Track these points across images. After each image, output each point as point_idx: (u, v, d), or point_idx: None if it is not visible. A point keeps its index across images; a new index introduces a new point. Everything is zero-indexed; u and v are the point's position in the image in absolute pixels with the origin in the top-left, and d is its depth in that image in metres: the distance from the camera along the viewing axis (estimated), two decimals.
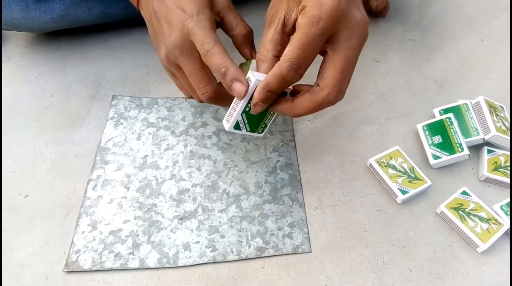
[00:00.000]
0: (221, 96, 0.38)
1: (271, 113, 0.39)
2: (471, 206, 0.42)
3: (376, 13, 0.63)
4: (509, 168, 0.46)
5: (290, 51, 0.31)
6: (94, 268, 0.38)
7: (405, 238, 0.42)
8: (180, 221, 0.42)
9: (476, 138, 0.47)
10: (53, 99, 0.51)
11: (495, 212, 0.43)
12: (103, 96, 0.52)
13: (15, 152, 0.46)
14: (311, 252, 0.40)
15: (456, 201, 0.43)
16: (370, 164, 0.46)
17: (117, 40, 0.59)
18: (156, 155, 0.47)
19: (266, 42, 0.34)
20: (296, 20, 0.32)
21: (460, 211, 0.42)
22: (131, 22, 0.59)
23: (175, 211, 0.42)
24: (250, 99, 0.35)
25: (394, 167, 0.45)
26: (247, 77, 0.34)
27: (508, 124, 0.48)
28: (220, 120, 0.50)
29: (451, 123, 0.48)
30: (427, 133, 0.48)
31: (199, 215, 0.42)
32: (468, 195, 0.43)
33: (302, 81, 0.34)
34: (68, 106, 0.51)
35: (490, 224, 0.41)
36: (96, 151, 0.46)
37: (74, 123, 0.49)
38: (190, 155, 0.47)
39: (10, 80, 0.53)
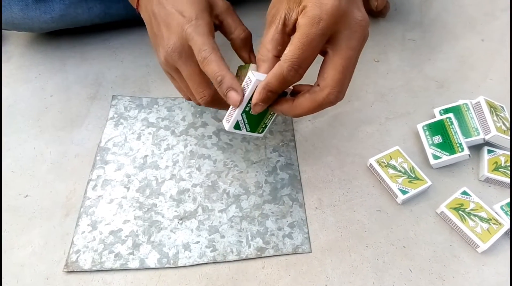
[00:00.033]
0: (219, 100, 0.38)
1: (271, 113, 0.38)
2: (472, 206, 0.42)
3: (376, 13, 0.63)
4: (509, 168, 0.46)
5: (290, 51, 0.31)
6: (94, 268, 0.38)
7: (405, 238, 0.42)
8: (180, 221, 0.42)
9: (476, 138, 0.47)
10: (53, 99, 0.51)
11: (496, 212, 0.42)
12: (103, 96, 0.52)
13: (15, 152, 0.46)
14: (311, 252, 0.40)
15: (456, 201, 0.43)
16: (370, 164, 0.46)
17: (117, 40, 0.59)
18: (156, 155, 0.47)
19: (266, 42, 0.34)
20: (296, 20, 0.32)
21: (460, 211, 0.42)
22: (131, 22, 0.59)
23: (175, 211, 0.42)
24: (250, 99, 0.35)
25: (394, 167, 0.45)
26: (247, 76, 0.34)
27: (508, 124, 0.48)
28: (220, 120, 0.50)
29: (452, 123, 0.48)
30: (427, 133, 0.48)
31: (199, 215, 0.42)
32: (469, 195, 0.43)
33: (302, 81, 0.34)
34: (68, 106, 0.51)
35: (490, 224, 0.41)
36: (96, 151, 0.46)
37: (74, 123, 0.49)
38: (190, 155, 0.47)
39: (10, 80, 0.53)
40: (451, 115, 0.48)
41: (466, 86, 0.56)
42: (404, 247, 0.41)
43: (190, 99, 0.42)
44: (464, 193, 0.43)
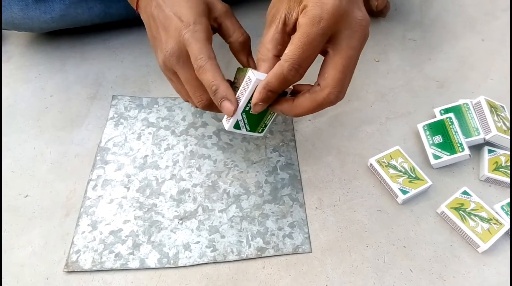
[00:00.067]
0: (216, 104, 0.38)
1: (271, 112, 0.38)
2: (472, 206, 0.42)
3: (376, 13, 0.63)
4: (509, 168, 0.46)
5: (291, 50, 0.31)
6: (94, 268, 0.38)
7: (405, 238, 0.42)
8: (180, 221, 0.42)
9: (476, 138, 0.47)
10: (53, 99, 0.51)
11: (496, 212, 0.42)
12: (103, 96, 0.52)
13: (15, 152, 0.46)
14: (311, 252, 0.40)
15: (456, 201, 0.43)
16: (371, 164, 0.46)
17: (117, 40, 0.59)
18: (156, 155, 0.46)
19: (266, 42, 0.34)
20: (297, 19, 0.32)
21: (460, 211, 0.42)
22: (131, 22, 0.59)
23: (175, 211, 0.42)
24: (250, 98, 0.35)
25: (394, 167, 0.45)
26: (247, 76, 0.34)
27: (508, 124, 0.48)
28: (220, 120, 0.50)
29: (452, 123, 0.48)
30: (427, 133, 0.48)
31: (199, 215, 0.42)
32: (469, 195, 0.43)
33: (302, 81, 0.34)
34: (68, 106, 0.51)
35: (491, 224, 0.41)
36: (96, 151, 0.46)
37: (74, 123, 0.49)
38: (190, 155, 0.47)
39: (10, 80, 0.53)
40: (451, 115, 0.48)
41: (466, 86, 0.56)
42: (404, 247, 0.41)
43: (188, 101, 0.42)
44: (465, 193, 0.43)
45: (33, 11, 0.49)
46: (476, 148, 0.48)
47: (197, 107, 0.40)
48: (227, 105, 0.35)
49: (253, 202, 0.43)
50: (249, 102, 0.35)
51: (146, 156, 0.46)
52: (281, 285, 0.38)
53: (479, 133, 0.47)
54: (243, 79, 0.35)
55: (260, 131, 0.40)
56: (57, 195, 0.43)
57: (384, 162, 0.45)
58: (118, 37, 0.59)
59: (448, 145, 0.46)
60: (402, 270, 0.39)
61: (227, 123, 0.37)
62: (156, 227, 0.41)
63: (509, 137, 0.46)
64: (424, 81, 0.57)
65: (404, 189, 0.43)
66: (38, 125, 0.49)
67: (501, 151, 0.47)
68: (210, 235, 0.41)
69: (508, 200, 0.43)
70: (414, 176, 0.44)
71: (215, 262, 0.39)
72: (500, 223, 0.41)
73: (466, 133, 0.47)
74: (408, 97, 0.54)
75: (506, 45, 0.62)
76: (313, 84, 0.34)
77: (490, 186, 0.46)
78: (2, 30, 0.58)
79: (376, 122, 0.51)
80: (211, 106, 0.38)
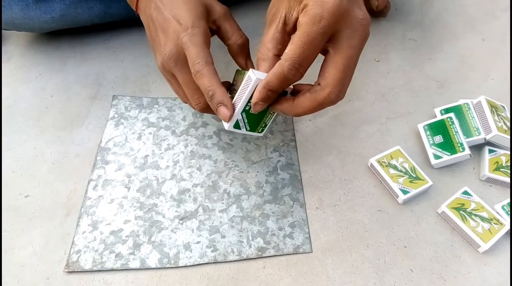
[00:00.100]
0: None
1: (271, 112, 0.38)
2: (473, 206, 0.42)
3: (377, 13, 0.63)
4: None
5: (291, 50, 0.31)
6: (95, 268, 0.38)
7: (406, 238, 0.41)
8: (181, 221, 0.42)
9: (477, 138, 0.47)
10: (53, 99, 0.51)
11: (497, 212, 0.42)
12: (104, 96, 0.52)
13: (16, 152, 0.46)
14: (312, 252, 0.40)
15: (457, 201, 0.43)
16: (371, 164, 0.46)
17: (117, 40, 0.59)
18: (156, 155, 0.46)
19: (266, 41, 0.34)
20: (297, 19, 0.32)
21: (461, 211, 0.42)
22: (131, 22, 0.59)
23: (176, 211, 0.42)
24: (250, 98, 0.35)
25: (395, 167, 0.45)
26: (247, 75, 0.34)
27: (509, 124, 0.48)
28: (220, 120, 0.50)
29: (452, 122, 0.48)
30: (428, 133, 0.48)
31: (199, 215, 0.42)
32: (470, 195, 0.43)
33: (302, 81, 0.34)
34: (68, 106, 0.51)
35: (491, 224, 0.41)
36: (96, 151, 0.46)
37: (75, 123, 0.49)
38: (190, 155, 0.47)
39: (10, 80, 0.53)
40: (452, 114, 0.48)
41: (466, 86, 0.56)
42: (405, 247, 0.41)
43: (187, 103, 0.42)
44: (465, 193, 0.43)
45: (33, 11, 0.50)
46: (477, 148, 0.48)
47: (195, 109, 0.40)
48: (223, 111, 0.35)
49: (254, 202, 0.43)
50: (249, 101, 0.35)
51: (147, 156, 0.46)
52: (281, 285, 0.38)
53: (479, 133, 0.47)
54: (243, 80, 0.35)
55: (260, 130, 0.40)
56: (58, 195, 0.43)
57: (385, 162, 0.45)
58: (118, 37, 0.59)
59: (448, 145, 0.46)
60: (402, 270, 0.39)
61: (227, 123, 0.37)
62: (157, 227, 0.41)
63: (509, 137, 0.46)
64: (424, 81, 0.57)
65: (405, 189, 0.43)
66: (39, 125, 0.49)
67: (502, 151, 0.47)
68: (210, 235, 0.41)
69: (509, 200, 0.43)
70: (414, 176, 0.44)
71: (215, 262, 0.39)
72: (501, 223, 0.41)
73: (467, 133, 0.47)
74: (409, 97, 0.54)
75: (507, 45, 0.62)
76: (313, 84, 0.34)
77: (490, 186, 0.46)
78: (2, 30, 0.58)
79: (377, 122, 0.51)
80: (208, 108, 0.38)
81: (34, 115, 0.50)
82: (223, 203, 0.43)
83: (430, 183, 0.44)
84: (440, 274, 0.39)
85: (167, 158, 0.46)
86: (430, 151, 0.47)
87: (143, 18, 0.41)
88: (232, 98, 0.36)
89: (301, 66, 0.31)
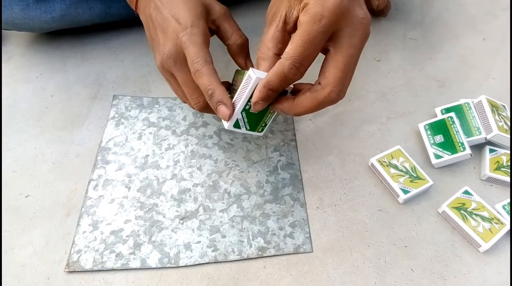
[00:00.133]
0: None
1: (271, 111, 0.38)
2: (473, 205, 0.42)
3: (377, 12, 0.63)
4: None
5: (291, 49, 0.31)
6: (95, 268, 0.38)
7: (407, 238, 0.41)
8: (181, 221, 0.42)
9: (478, 138, 0.47)
10: (53, 99, 0.51)
11: (497, 212, 0.42)
12: (104, 96, 0.52)
13: (16, 152, 0.46)
14: (312, 252, 0.40)
15: (458, 201, 0.43)
16: (372, 164, 0.46)
17: (118, 40, 0.59)
18: (157, 155, 0.46)
19: (267, 40, 0.34)
20: (297, 18, 0.32)
21: (462, 211, 0.42)
22: (132, 22, 0.59)
23: (176, 211, 0.42)
24: (250, 97, 0.35)
25: (395, 167, 0.45)
26: (247, 74, 0.34)
27: (510, 123, 0.48)
28: (221, 119, 0.50)
29: (453, 122, 0.47)
30: (428, 132, 0.48)
31: (200, 215, 0.42)
32: (470, 194, 0.43)
33: (303, 80, 0.34)
34: (69, 106, 0.51)
35: (492, 224, 0.41)
36: (97, 151, 0.46)
37: (75, 123, 0.49)
38: (191, 155, 0.47)
39: (11, 80, 0.53)
40: (452, 114, 0.48)
41: (467, 85, 0.56)
42: (405, 246, 0.41)
43: (186, 103, 0.42)
44: (466, 192, 0.43)
45: (33, 11, 0.50)
46: (477, 148, 0.48)
47: (194, 109, 0.40)
48: (223, 109, 0.35)
49: (254, 201, 0.43)
50: (249, 101, 0.35)
51: (147, 156, 0.46)
52: (282, 285, 0.38)
53: (480, 133, 0.47)
54: (242, 80, 0.35)
55: (260, 130, 0.40)
56: (58, 195, 0.43)
57: (385, 162, 0.45)
58: (119, 37, 0.59)
59: (449, 145, 0.46)
60: (403, 269, 0.39)
61: (227, 122, 0.37)
62: (157, 227, 0.41)
63: (510, 137, 0.46)
64: (425, 81, 0.57)
65: (405, 189, 0.43)
66: (39, 125, 0.49)
67: (503, 151, 0.47)
68: (211, 235, 0.41)
69: (509, 199, 0.43)
70: (415, 175, 0.44)
71: (216, 262, 0.39)
72: (502, 223, 0.41)
73: (467, 132, 0.47)
74: (409, 97, 0.54)
75: (507, 44, 0.62)
76: (313, 83, 0.34)
77: (491, 185, 0.46)
78: (3, 30, 0.58)
79: (377, 122, 0.51)
80: (207, 108, 0.38)
81: (35, 115, 0.50)
82: (223, 202, 0.43)
83: (431, 182, 0.44)
84: (440, 273, 0.39)
85: (168, 158, 0.46)
86: (431, 150, 0.47)
87: (142, 18, 0.41)
88: (231, 98, 0.36)
89: (301, 65, 0.31)
